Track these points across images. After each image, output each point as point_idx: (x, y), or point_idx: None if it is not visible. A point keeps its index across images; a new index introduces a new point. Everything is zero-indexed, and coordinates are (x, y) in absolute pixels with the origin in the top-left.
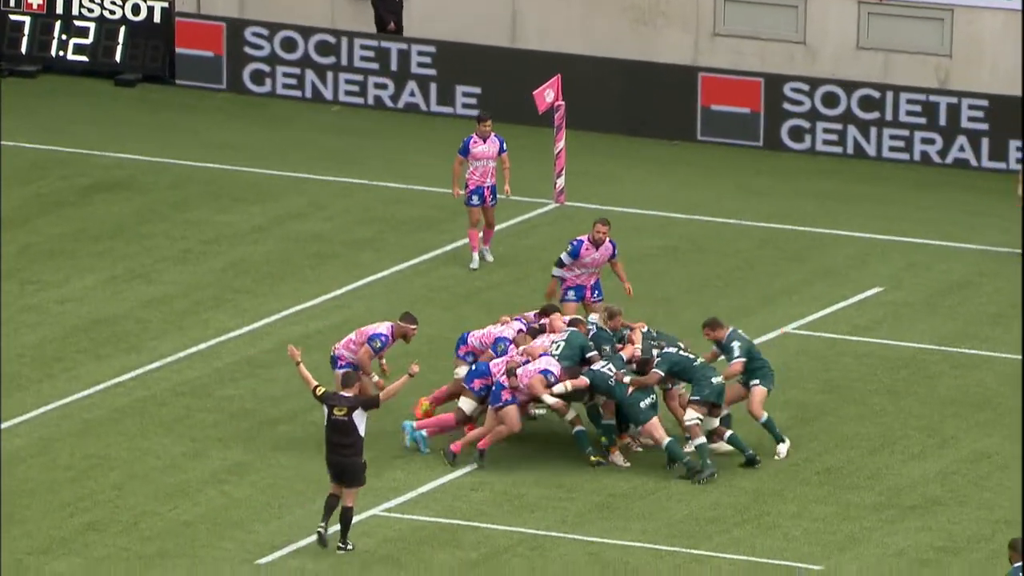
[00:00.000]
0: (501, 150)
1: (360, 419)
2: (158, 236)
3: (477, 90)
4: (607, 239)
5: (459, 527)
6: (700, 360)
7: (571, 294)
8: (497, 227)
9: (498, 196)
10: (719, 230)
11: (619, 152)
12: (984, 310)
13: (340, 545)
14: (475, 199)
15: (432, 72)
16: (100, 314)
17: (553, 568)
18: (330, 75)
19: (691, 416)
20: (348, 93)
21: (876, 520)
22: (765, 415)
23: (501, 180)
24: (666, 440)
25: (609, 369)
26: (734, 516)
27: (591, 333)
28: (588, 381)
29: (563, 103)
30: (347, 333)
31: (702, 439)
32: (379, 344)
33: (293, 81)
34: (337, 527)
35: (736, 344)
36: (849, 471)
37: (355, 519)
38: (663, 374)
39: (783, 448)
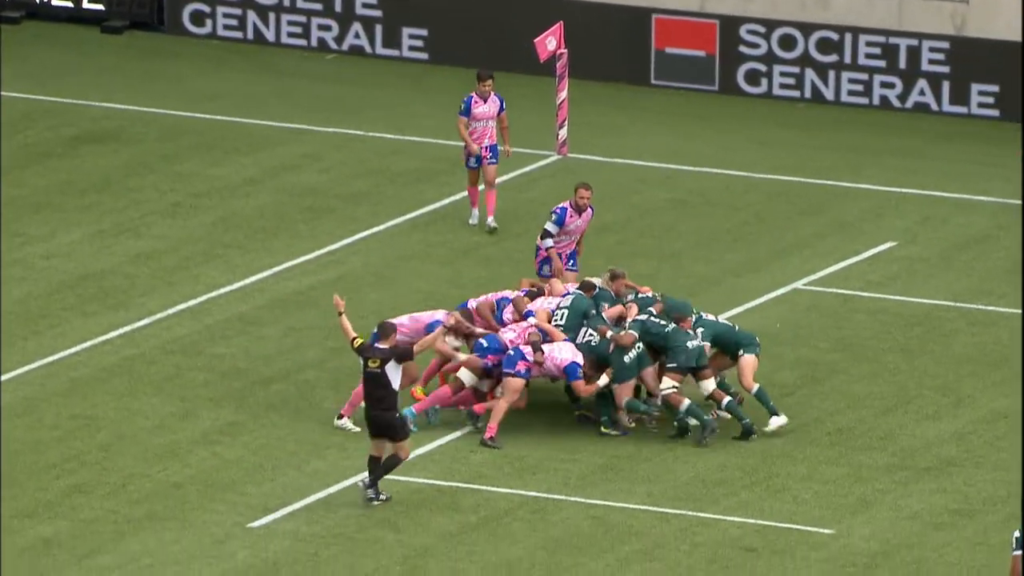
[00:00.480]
0: (501, 109)
1: (393, 372)
2: (147, 189)
3: (475, 40)
4: (589, 205)
5: (458, 489)
6: (673, 326)
7: (546, 269)
8: (497, 180)
9: (498, 155)
10: (729, 183)
11: (624, 102)
12: (1002, 265)
13: (370, 494)
14: (472, 161)
15: (431, 25)
16: (87, 269)
17: (555, 532)
18: (334, 25)
19: (665, 385)
20: (349, 47)
21: (889, 482)
22: (756, 386)
23: (500, 140)
24: (624, 399)
25: (591, 334)
26: (742, 478)
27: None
28: (634, 335)
29: (565, 51)
30: (341, 289)
31: (686, 402)
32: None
33: (298, 29)
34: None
35: (699, 331)
36: (861, 432)
37: (348, 482)
38: (637, 335)
39: (776, 421)
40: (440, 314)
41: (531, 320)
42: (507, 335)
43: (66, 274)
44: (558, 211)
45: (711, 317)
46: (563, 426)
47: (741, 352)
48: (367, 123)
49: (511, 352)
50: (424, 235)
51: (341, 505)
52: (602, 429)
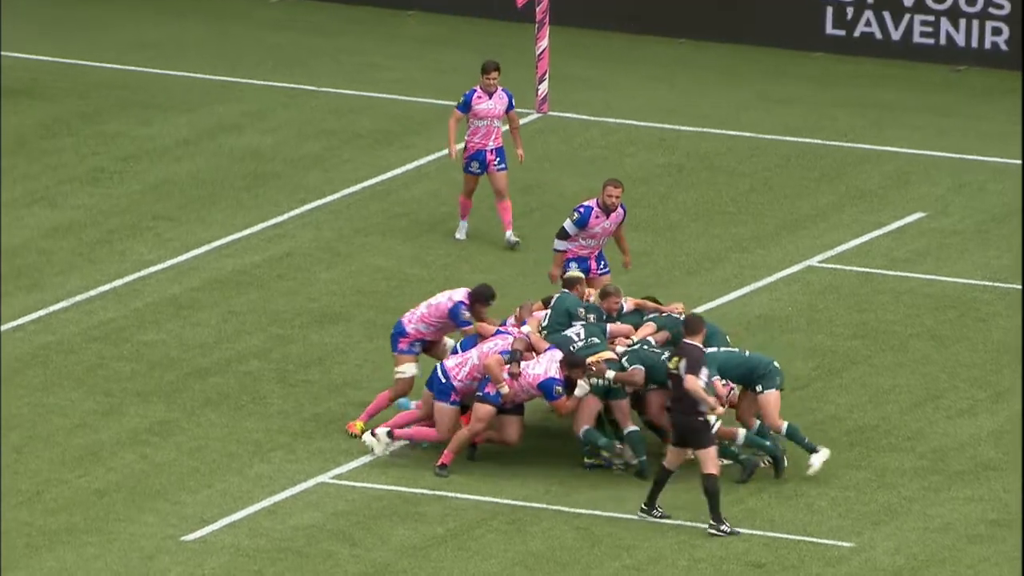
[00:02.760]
0: (509, 107)
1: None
2: (65, 152)
3: None
4: (620, 204)
5: (422, 497)
6: (665, 354)
7: (572, 266)
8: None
9: (506, 160)
10: (733, 145)
11: (613, 52)
12: None
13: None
14: (475, 166)
15: None
16: None
17: (534, 545)
18: None
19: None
20: None
21: (917, 488)
22: (785, 424)
23: (510, 143)
24: (628, 428)
25: (578, 335)
26: (749, 484)
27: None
28: (642, 371)
29: None
30: (288, 267)
31: (631, 425)
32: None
33: None
34: None
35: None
36: (885, 430)
37: (296, 488)
38: (643, 368)
39: (817, 459)
40: (459, 293)
41: (524, 329)
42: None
43: None
44: (581, 210)
45: (715, 348)
46: (543, 428)
47: (760, 388)
48: (319, 77)
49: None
50: (384, 205)
51: (289, 515)
52: (585, 460)
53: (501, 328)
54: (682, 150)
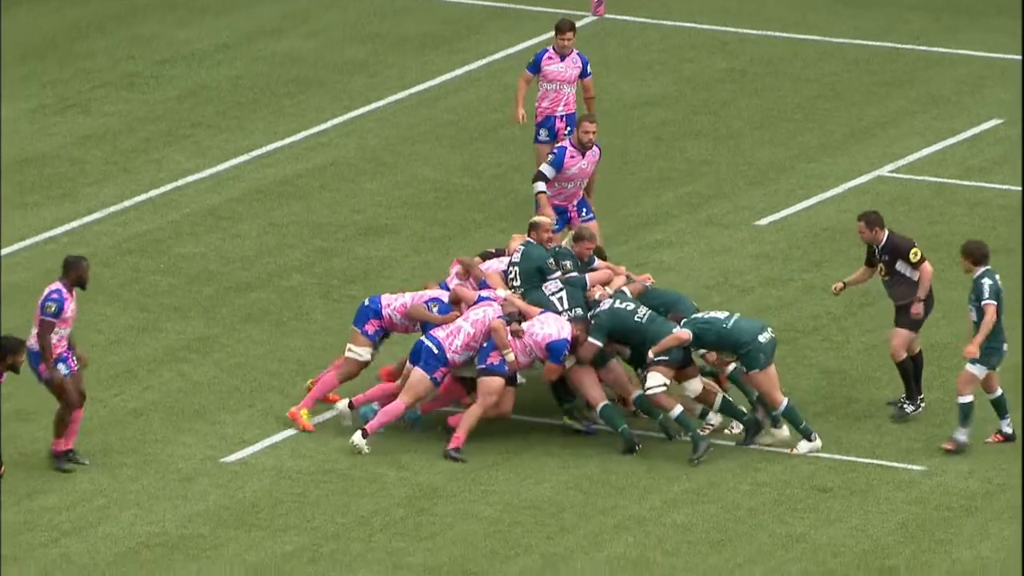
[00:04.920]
0: (584, 73)
1: None
2: (98, 55)
3: None
4: (595, 142)
5: None
6: (648, 314)
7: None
8: (519, 46)
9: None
10: (798, 49)
11: None
12: None
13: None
14: (543, 134)
15: None
16: (26, 152)
17: (589, 469)
18: None
19: (654, 382)
20: None
21: (992, 408)
22: (785, 401)
23: (582, 111)
24: (600, 404)
25: (560, 300)
26: (814, 404)
27: (554, 252)
28: (595, 347)
29: None
30: (332, 177)
31: (678, 408)
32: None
33: None
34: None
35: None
36: (958, 348)
37: (343, 407)
38: (601, 344)
39: (805, 446)
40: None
41: (499, 293)
42: (466, 325)
43: (1, 157)
44: (556, 150)
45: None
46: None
47: (744, 368)
48: None
49: (484, 344)
50: (432, 112)
51: (333, 436)
52: (565, 420)
53: (483, 295)
54: (745, 54)
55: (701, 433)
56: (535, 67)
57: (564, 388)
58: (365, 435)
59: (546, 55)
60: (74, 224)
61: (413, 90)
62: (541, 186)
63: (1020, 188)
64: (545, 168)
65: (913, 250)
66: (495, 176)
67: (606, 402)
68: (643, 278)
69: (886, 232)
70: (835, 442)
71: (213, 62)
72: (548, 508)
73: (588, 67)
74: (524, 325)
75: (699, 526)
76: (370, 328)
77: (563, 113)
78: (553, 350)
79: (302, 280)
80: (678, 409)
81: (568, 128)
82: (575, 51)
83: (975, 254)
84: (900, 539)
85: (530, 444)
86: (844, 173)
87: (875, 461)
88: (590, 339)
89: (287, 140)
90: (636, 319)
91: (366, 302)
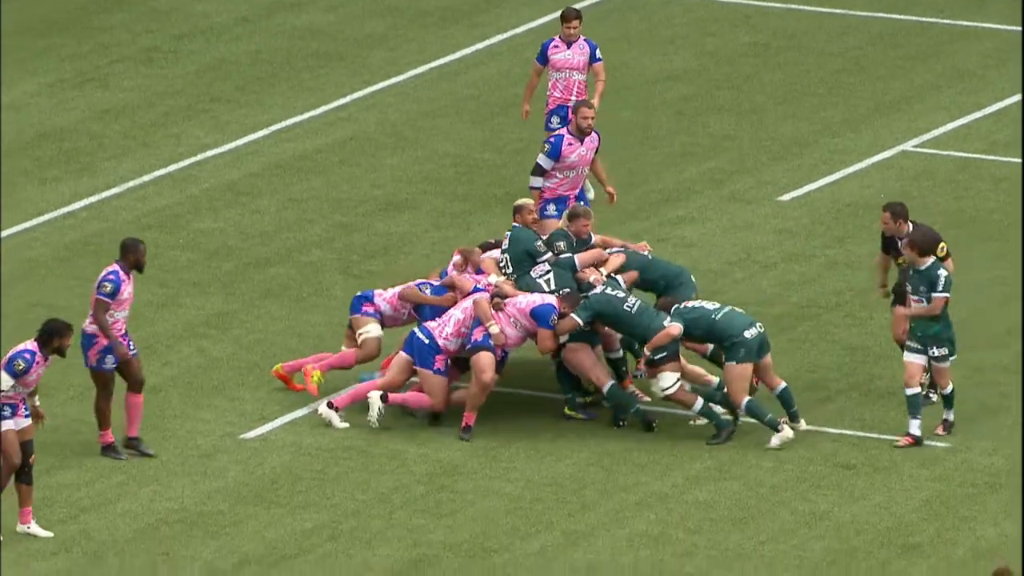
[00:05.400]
0: (593, 59)
1: None
2: (117, 29)
3: None
4: (593, 128)
5: (493, 395)
6: (637, 304)
7: (551, 208)
8: (540, 20)
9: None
10: (822, 23)
11: None
12: None
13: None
14: (556, 121)
15: None
16: (45, 127)
17: (610, 445)
18: None
19: (668, 382)
20: None
21: (1015, 385)
22: (746, 400)
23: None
24: (607, 385)
25: (547, 282)
26: (837, 381)
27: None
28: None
29: None
30: (352, 152)
31: (699, 402)
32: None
33: None
34: None
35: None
36: (981, 324)
37: (362, 384)
38: (582, 322)
39: (777, 439)
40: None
41: (491, 279)
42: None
43: (19, 132)
44: (552, 139)
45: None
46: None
47: (723, 358)
48: None
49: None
50: (452, 87)
51: (353, 413)
52: (566, 411)
53: (479, 286)
54: (768, 28)
55: (726, 419)
56: (543, 57)
57: (569, 376)
58: (384, 399)
59: (552, 44)
60: (93, 199)
61: (433, 64)
62: (537, 182)
63: None
64: (542, 159)
65: (940, 244)
66: (516, 151)
67: (612, 382)
68: (640, 246)
69: (910, 225)
70: (858, 419)
71: (232, 36)
72: (569, 485)
73: (597, 52)
74: (507, 300)
75: (721, 503)
76: (367, 308)
77: (575, 101)
78: (539, 315)
79: (322, 256)
80: (699, 402)
81: None
82: (582, 37)
83: (923, 245)
84: (924, 516)
85: (551, 421)
86: (868, 148)
87: (899, 438)
88: (573, 315)
89: (306, 115)
90: (625, 307)
91: (357, 294)
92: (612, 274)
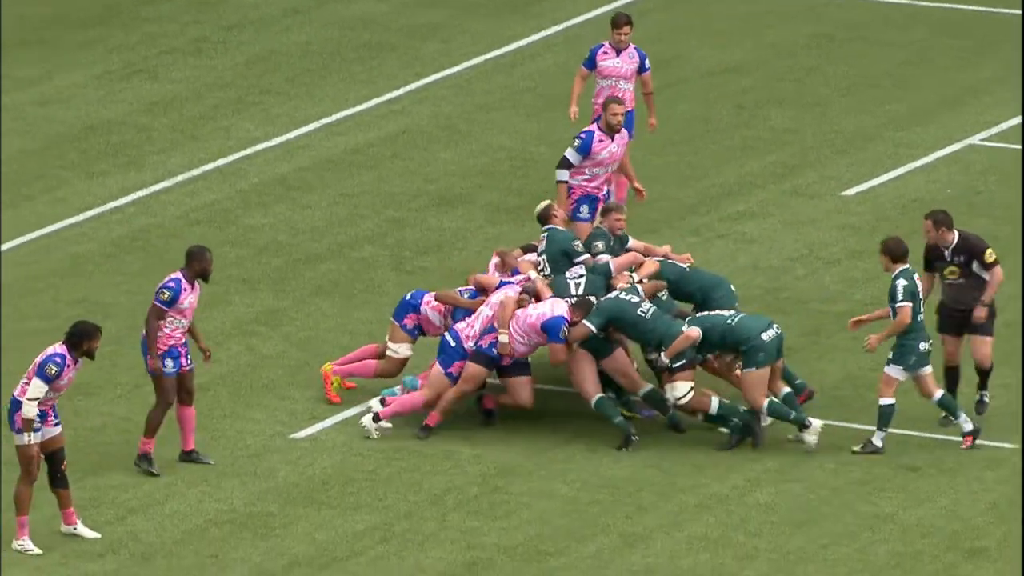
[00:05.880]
0: (642, 68)
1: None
2: (165, 20)
3: None
4: (623, 125)
5: (549, 393)
6: (652, 310)
7: (584, 210)
8: (597, 11)
9: (633, 126)
10: (888, 13)
11: None
12: None
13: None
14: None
15: None
16: (91, 119)
17: (669, 448)
18: None
19: (682, 391)
20: None
21: None
22: (767, 401)
23: (642, 109)
24: (594, 397)
25: (577, 285)
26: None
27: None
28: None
29: None
30: (404, 146)
31: (715, 405)
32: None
33: None
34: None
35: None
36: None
37: (417, 382)
38: (594, 329)
39: (810, 436)
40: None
41: (533, 274)
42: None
43: (65, 125)
44: (583, 135)
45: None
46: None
47: (740, 366)
48: None
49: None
50: (508, 79)
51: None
52: (623, 413)
53: (505, 280)
54: (831, 19)
55: (738, 425)
56: (590, 63)
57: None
58: (377, 419)
59: (601, 50)
60: (140, 193)
61: (488, 56)
62: (563, 175)
63: None
64: (570, 153)
65: (988, 250)
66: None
67: (600, 395)
68: (683, 258)
69: (955, 233)
70: (924, 419)
71: (282, 27)
72: (626, 487)
73: (646, 62)
74: (518, 312)
75: (783, 505)
76: (408, 322)
77: (606, 99)
78: (548, 329)
79: (373, 252)
80: (715, 404)
81: (627, 124)
82: (632, 46)
83: (894, 252)
84: (991, 519)
85: (606, 422)
86: (934, 142)
87: (961, 439)
88: (584, 321)
89: (358, 107)
90: (639, 312)
91: (407, 296)
92: (642, 279)
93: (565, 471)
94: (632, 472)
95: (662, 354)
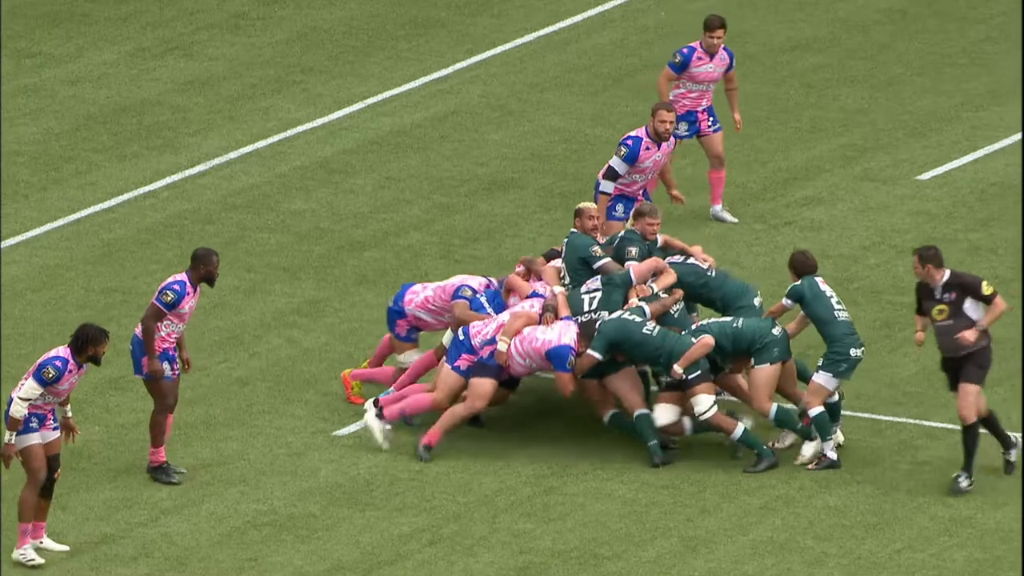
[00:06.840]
0: (729, 67)
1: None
2: None
3: None
4: (672, 132)
5: None
6: (657, 328)
7: (619, 208)
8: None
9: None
10: None
11: None
12: None
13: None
14: (683, 128)
15: None
16: (124, 100)
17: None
18: None
19: (705, 405)
20: None
21: None
22: (774, 407)
23: (720, 102)
24: (610, 413)
25: (591, 300)
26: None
27: (618, 237)
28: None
29: None
30: (453, 127)
31: (740, 428)
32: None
33: None
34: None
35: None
36: None
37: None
38: (599, 356)
39: (808, 448)
40: (475, 280)
41: (556, 290)
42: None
43: (97, 105)
44: (629, 142)
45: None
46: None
47: (753, 362)
48: None
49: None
50: (562, 57)
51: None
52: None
53: (537, 291)
54: None
55: (768, 448)
56: (682, 67)
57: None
58: (381, 415)
59: (695, 55)
60: (175, 177)
61: (541, 32)
62: (608, 187)
63: None
64: (616, 163)
65: (984, 283)
66: (630, 126)
67: (614, 410)
68: (704, 256)
69: (945, 271)
70: (1005, 417)
71: (325, 2)
72: (687, 488)
73: (733, 60)
74: (526, 330)
75: (853, 508)
76: (401, 330)
77: (705, 106)
78: (554, 357)
79: (420, 239)
80: (740, 429)
81: (711, 119)
82: (723, 47)
83: (797, 267)
84: None
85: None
86: (1014, 123)
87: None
88: (589, 351)
89: (404, 87)
90: (644, 332)
91: (389, 304)
92: (659, 291)
93: (623, 471)
94: (693, 472)
95: (675, 365)
